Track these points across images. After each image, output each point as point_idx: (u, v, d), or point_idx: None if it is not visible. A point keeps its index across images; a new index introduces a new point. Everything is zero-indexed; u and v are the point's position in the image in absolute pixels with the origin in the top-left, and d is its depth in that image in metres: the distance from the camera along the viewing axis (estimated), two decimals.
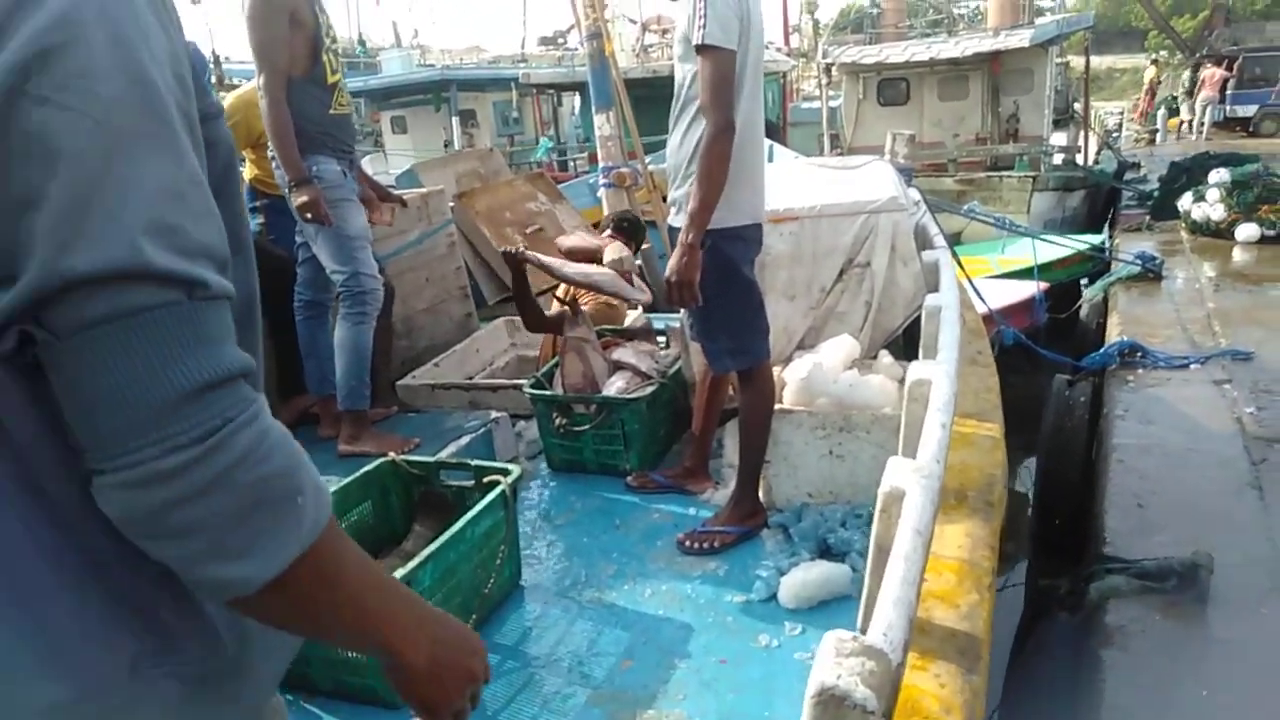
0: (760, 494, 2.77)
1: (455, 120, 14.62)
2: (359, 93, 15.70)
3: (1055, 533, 4.21)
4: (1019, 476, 5.91)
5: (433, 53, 21.74)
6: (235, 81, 7.19)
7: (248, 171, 3.61)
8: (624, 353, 3.27)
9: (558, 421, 3.06)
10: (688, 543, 2.59)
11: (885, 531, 1.59)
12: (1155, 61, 23.71)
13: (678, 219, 2.44)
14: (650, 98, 9.86)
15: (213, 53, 14.00)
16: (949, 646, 1.67)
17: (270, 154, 2.94)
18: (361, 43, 23.18)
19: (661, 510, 2.85)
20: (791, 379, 2.78)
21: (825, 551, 2.50)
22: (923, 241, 3.26)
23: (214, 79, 5.17)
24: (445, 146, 13.56)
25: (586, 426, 3.02)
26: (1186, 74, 19.77)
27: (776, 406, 2.70)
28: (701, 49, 2.16)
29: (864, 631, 1.17)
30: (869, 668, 1.12)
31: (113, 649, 0.66)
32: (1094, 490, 3.89)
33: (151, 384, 0.59)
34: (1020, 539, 4.73)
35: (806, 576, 2.34)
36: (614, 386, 3.13)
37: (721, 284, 2.43)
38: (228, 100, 3.62)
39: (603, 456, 3.06)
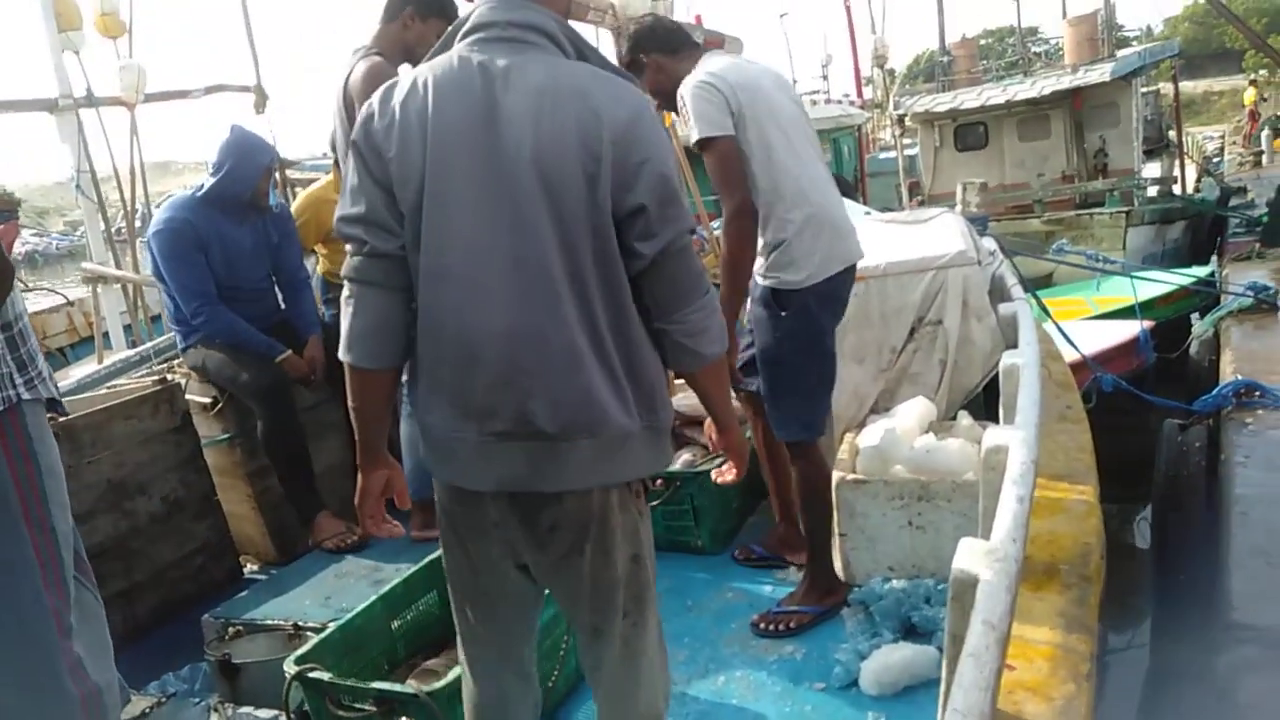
0: (839, 568, 2.64)
1: None
2: None
3: (1178, 590, 3.88)
4: (1136, 529, 5.53)
5: None
6: (309, 175, 7.55)
7: (320, 266, 3.75)
8: (690, 430, 3.17)
9: None
10: (763, 625, 2.48)
11: (959, 621, 1.46)
12: (1254, 82, 22.69)
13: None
14: None
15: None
16: None
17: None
18: None
19: (736, 589, 2.74)
20: (864, 445, 2.65)
21: (910, 631, 2.35)
22: (1000, 294, 3.12)
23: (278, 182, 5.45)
24: None
25: (655, 502, 2.93)
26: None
27: (850, 476, 2.57)
28: (699, 146, 2.23)
29: None
30: None
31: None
32: (1217, 545, 3.58)
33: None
34: (1141, 595, 4.39)
35: (889, 660, 2.19)
36: (680, 460, 3.02)
37: (804, 348, 2.38)
38: (297, 200, 3.78)
39: (673, 533, 2.93)
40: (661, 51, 2.43)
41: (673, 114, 2.42)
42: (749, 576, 2.79)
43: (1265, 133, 18.67)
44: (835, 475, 2.63)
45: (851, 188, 10.67)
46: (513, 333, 1.39)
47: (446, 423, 1.45)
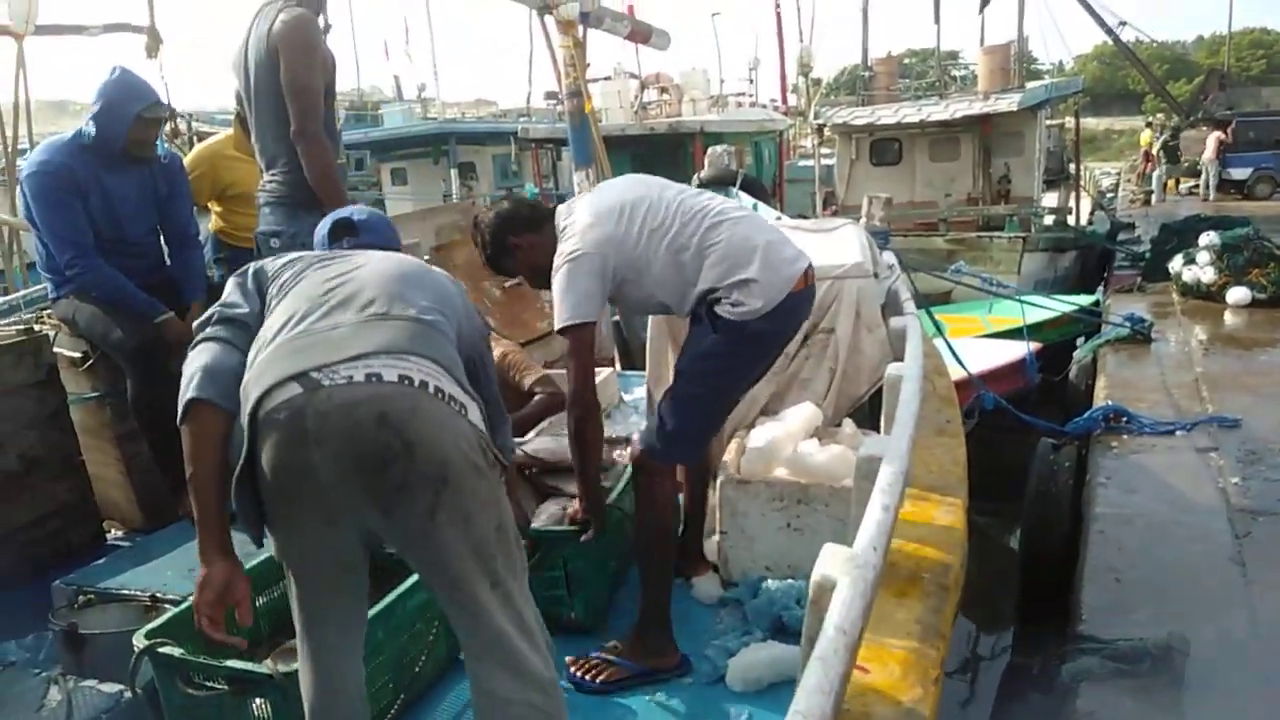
0: (719, 565, 2.68)
1: (454, 173, 14.75)
2: (360, 145, 15.89)
3: (1039, 604, 4.09)
4: (1009, 541, 5.79)
5: (436, 106, 21.98)
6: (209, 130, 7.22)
7: (212, 223, 3.59)
8: (551, 479, 2.77)
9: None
10: (574, 669, 2.23)
11: (815, 624, 1.51)
12: (1150, 124, 24.02)
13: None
14: (648, 155, 9.97)
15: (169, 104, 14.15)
16: None
17: (269, 203, 2.93)
18: (360, 95, 23.52)
19: None
20: (750, 446, 2.70)
21: (780, 630, 2.40)
22: (893, 307, 3.21)
23: (168, 130, 5.18)
24: (444, 199, 13.66)
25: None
26: (1164, 136, 20.13)
27: (734, 476, 2.62)
28: (560, 333, 2.23)
29: None
30: None
31: None
32: (1075, 560, 3.78)
33: None
34: (1009, 604, 4.60)
35: (755, 658, 2.24)
36: (544, 515, 2.58)
37: (711, 375, 2.24)
38: (191, 154, 3.61)
39: (539, 602, 2.15)
40: (528, 231, 2.35)
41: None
42: None
43: (1157, 173, 19.81)
44: (720, 475, 2.68)
45: (767, 192, 10.83)
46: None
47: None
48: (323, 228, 2.07)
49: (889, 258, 3.81)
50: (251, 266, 1.79)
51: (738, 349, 2.23)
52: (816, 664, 1.24)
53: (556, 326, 2.23)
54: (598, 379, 4.25)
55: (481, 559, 1.52)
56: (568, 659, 2.26)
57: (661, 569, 2.30)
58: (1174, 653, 2.63)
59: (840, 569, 1.50)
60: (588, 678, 2.23)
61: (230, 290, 1.75)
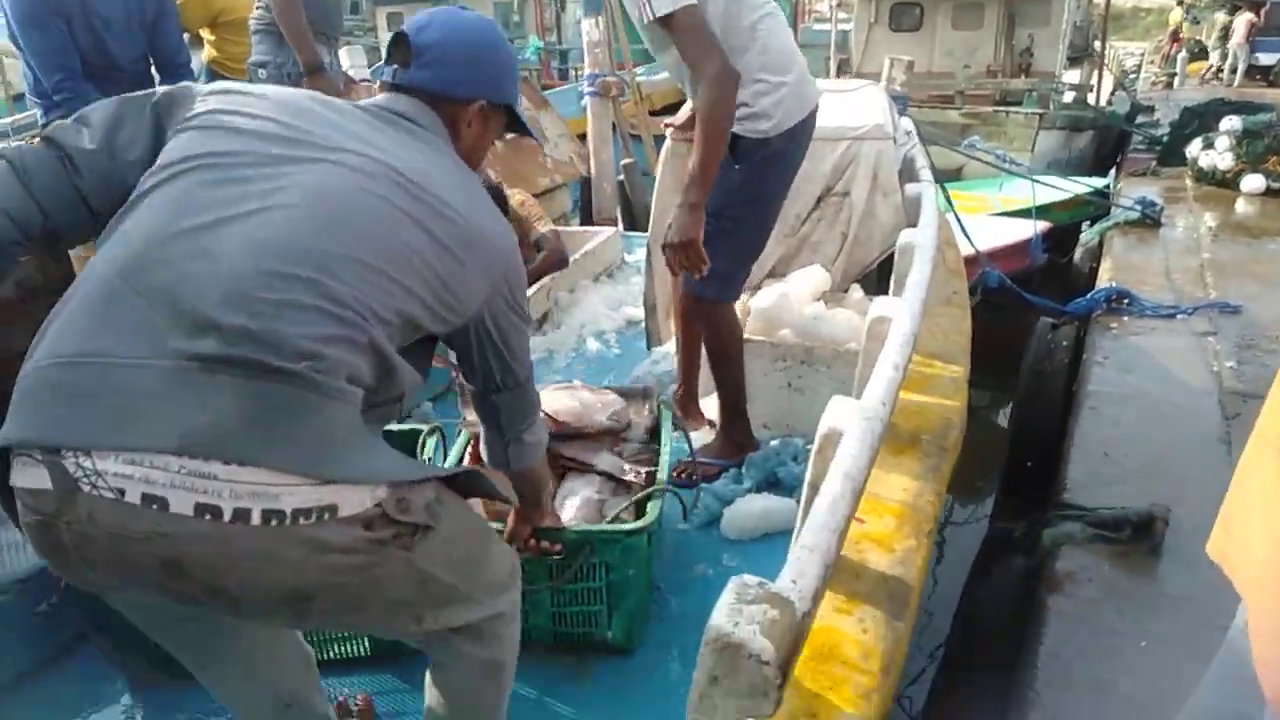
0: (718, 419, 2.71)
1: None
2: None
3: (1023, 476, 4.19)
4: (999, 416, 5.89)
5: None
6: None
7: (205, 54, 3.44)
8: (583, 449, 2.17)
9: None
10: (676, 473, 2.40)
11: (819, 472, 1.53)
12: (1181, 2, 22.93)
13: None
14: None
15: None
16: (879, 591, 1.63)
17: (268, 32, 2.81)
18: None
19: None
20: (756, 307, 2.69)
21: (774, 485, 2.46)
22: (908, 174, 3.13)
23: None
24: None
25: (541, 585, 1.79)
26: (1220, 17, 19.09)
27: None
28: (662, 23, 1.99)
29: None
30: (771, 616, 1.07)
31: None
32: (1064, 435, 3.85)
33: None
34: (991, 475, 4.72)
35: (750, 508, 2.30)
36: (572, 505, 2.00)
37: (744, 206, 2.26)
38: None
39: (568, 624, 1.87)
40: None
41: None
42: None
43: (1182, 55, 19.05)
44: None
45: None
46: None
47: None
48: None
49: (906, 124, 3.69)
50: (176, 90, 1.26)
51: (763, 173, 2.23)
52: (824, 504, 1.27)
53: (658, 13, 1.97)
54: (601, 238, 4.21)
55: (396, 615, 1.23)
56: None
57: (737, 378, 2.50)
58: (1156, 522, 2.71)
59: (848, 420, 1.51)
60: (690, 478, 2.37)
61: (102, 109, 1.25)
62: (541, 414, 1.53)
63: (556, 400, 2.17)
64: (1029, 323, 5.28)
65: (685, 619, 1.99)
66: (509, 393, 1.40)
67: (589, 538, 1.79)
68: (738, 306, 2.82)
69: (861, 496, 1.46)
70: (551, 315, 3.72)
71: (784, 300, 2.65)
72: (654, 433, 2.28)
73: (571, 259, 3.84)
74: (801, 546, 1.18)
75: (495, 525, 1.74)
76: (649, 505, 1.91)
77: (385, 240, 1.14)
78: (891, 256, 2.99)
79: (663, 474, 2.05)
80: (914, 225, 2.65)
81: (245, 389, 0.98)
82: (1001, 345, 4.88)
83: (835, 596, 1.60)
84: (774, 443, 2.57)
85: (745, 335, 2.63)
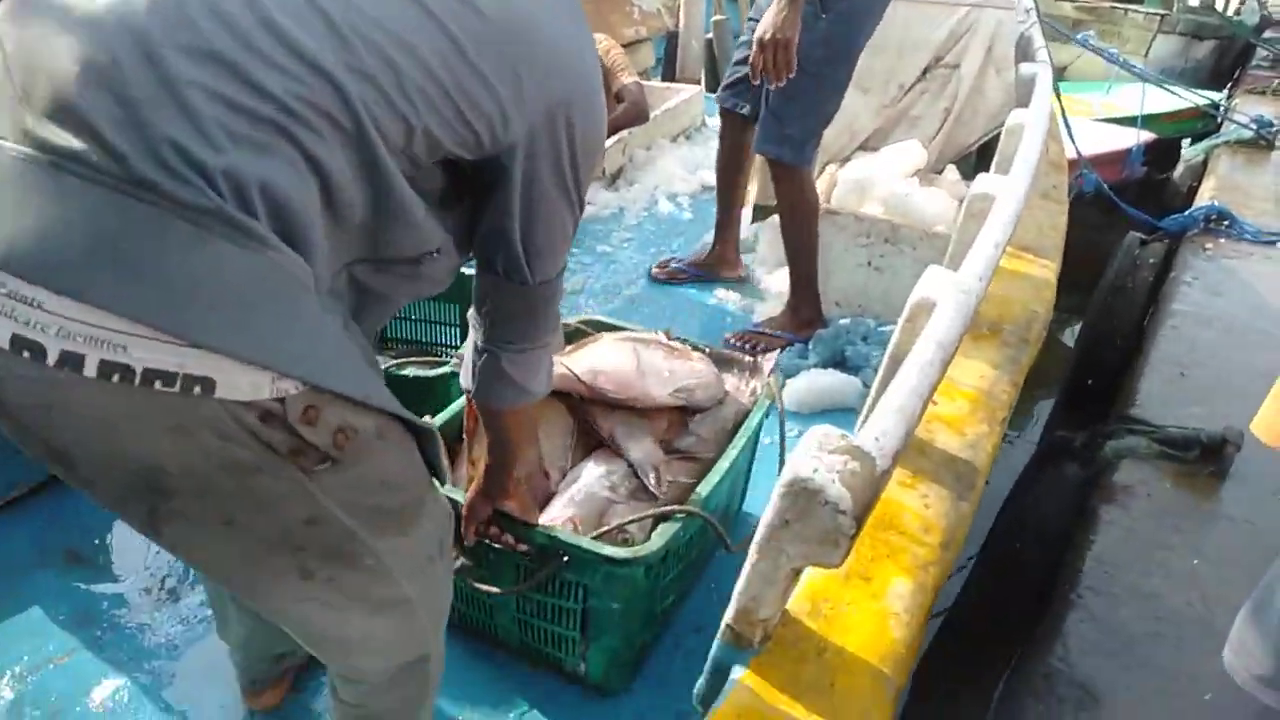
0: (787, 294, 2.65)
1: None
2: None
3: (1086, 391, 4.08)
4: (1070, 329, 5.72)
5: None
6: None
7: None
8: (625, 424, 1.65)
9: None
10: (734, 339, 2.49)
11: (905, 341, 1.47)
12: None
13: None
14: None
15: None
16: (945, 471, 1.60)
17: None
18: None
19: None
20: (845, 179, 2.58)
21: (839, 363, 2.41)
22: (1023, 53, 2.92)
23: None
24: None
25: (503, 589, 1.44)
26: None
27: (822, 205, 2.52)
28: None
29: None
30: (851, 468, 1.04)
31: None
32: (1139, 353, 3.72)
33: None
34: (1053, 386, 4.62)
35: (813, 383, 2.27)
36: (571, 495, 1.53)
37: (828, 63, 2.20)
38: None
39: (534, 638, 1.51)
40: None
41: None
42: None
43: None
44: None
45: None
46: None
47: None
48: None
49: (1026, 0, 3.43)
50: None
51: (848, 24, 2.16)
52: (913, 369, 1.22)
53: None
54: (683, 97, 4.04)
55: (276, 554, 0.91)
56: (726, 335, 2.50)
57: (811, 249, 2.43)
58: (1227, 445, 2.62)
59: (944, 290, 1.44)
60: (744, 345, 2.42)
61: None
62: (551, 353, 1.20)
63: (610, 355, 1.68)
64: (1113, 236, 5.03)
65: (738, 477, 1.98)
66: (513, 284, 1.05)
67: (560, 547, 1.34)
68: (824, 178, 2.71)
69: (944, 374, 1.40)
70: (625, 172, 3.62)
71: (875, 173, 2.53)
72: (741, 421, 1.70)
73: (651, 116, 3.70)
74: (887, 405, 1.14)
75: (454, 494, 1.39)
76: (661, 528, 1.40)
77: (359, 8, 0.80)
78: (991, 143, 2.83)
79: (705, 488, 1.47)
80: (1025, 107, 2.49)
81: (100, 201, 0.70)
82: (1083, 256, 4.67)
83: (900, 471, 1.58)
84: (844, 321, 2.51)
85: (830, 207, 2.53)
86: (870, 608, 1.27)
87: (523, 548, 1.38)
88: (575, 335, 1.84)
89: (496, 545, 1.39)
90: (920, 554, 1.40)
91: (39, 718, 1.38)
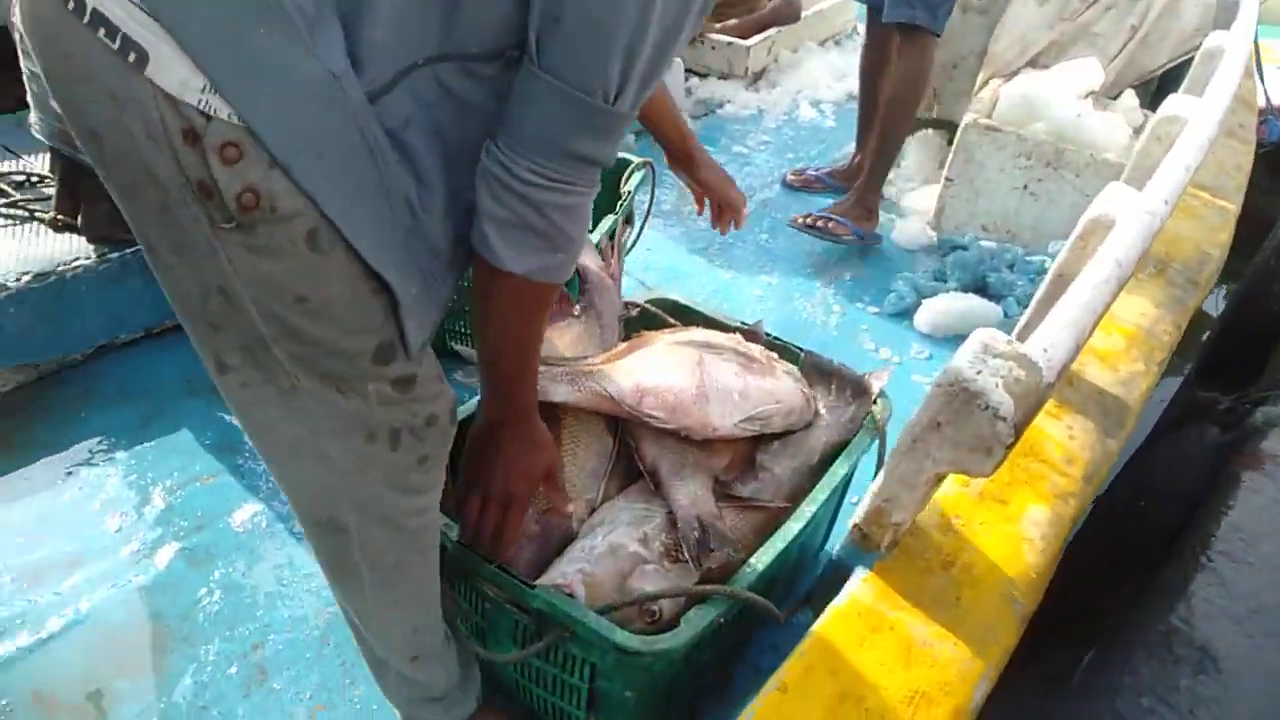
0: (932, 213, 2.52)
1: None
2: None
3: (1230, 359, 3.81)
4: (1213, 301, 5.33)
5: None
6: None
7: None
8: (675, 454, 1.29)
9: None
10: (801, 220, 2.42)
11: (1075, 260, 1.37)
12: None
13: None
14: None
15: None
16: (1093, 405, 1.51)
17: None
18: None
19: None
20: (1009, 94, 2.40)
21: (980, 289, 2.29)
22: None
23: None
24: None
25: (497, 651, 1.17)
26: None
27: (982, 120, 2.36)
28: None
29: None
30: (1016, 375, 0.98)
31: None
32: None
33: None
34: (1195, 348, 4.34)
35: (951, 305, 2.17)
36: (591, 547, 1.17)
37: None
38: None
39: (535, 704, 1.24)
40: None
41: None
42: None
43: None
44: (966, 116, 2.42)
45: None
46: None
47: None
48: None
49: None
50: None
51: None
52: (1087, 284, 1.13)
53: None
54: (834, 0, 3.83)
55: (194, 320, 0.81)
56: (794, 216, 2.44)
57: (903, 134, 2.37)
58: None
59: (1127, 209, 1.33)
60: (813, 224, 2.38)
61: None
62: (560, 238, 0.86)
63: (664, 368, 1.30)
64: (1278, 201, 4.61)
65: None
66: (528, 67, 0.79)
67: (560, 617, 1.05)
68: (987, 91, 2.53)
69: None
70: (769, 73, 3.48)
71: (1044, 91, 2.34)
72: (835, 454, 1.33)
73: (801, 16, 3.53)
74: (1058, 318, 1.06)
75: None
76: (697, 610, 1.08)
77: None
78: (1177, 70, 2.58)
79: (763, 560, 1.15)
80: (1225, 30, 2.25)
81: None
82: (1247, 218, 4.30)
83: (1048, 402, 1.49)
84: (988, 244, 2.37)
85: (988, 123, 2.37)
86: (1004, 530, 1.22)
87: (523, 610, 1.08)
88: (636, 323, 1.54)
89: (489, 593, 1.11)
90: (1061, 484, 1.33)
91: (186, 527, 1.48)
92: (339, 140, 0.74)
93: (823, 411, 1.39)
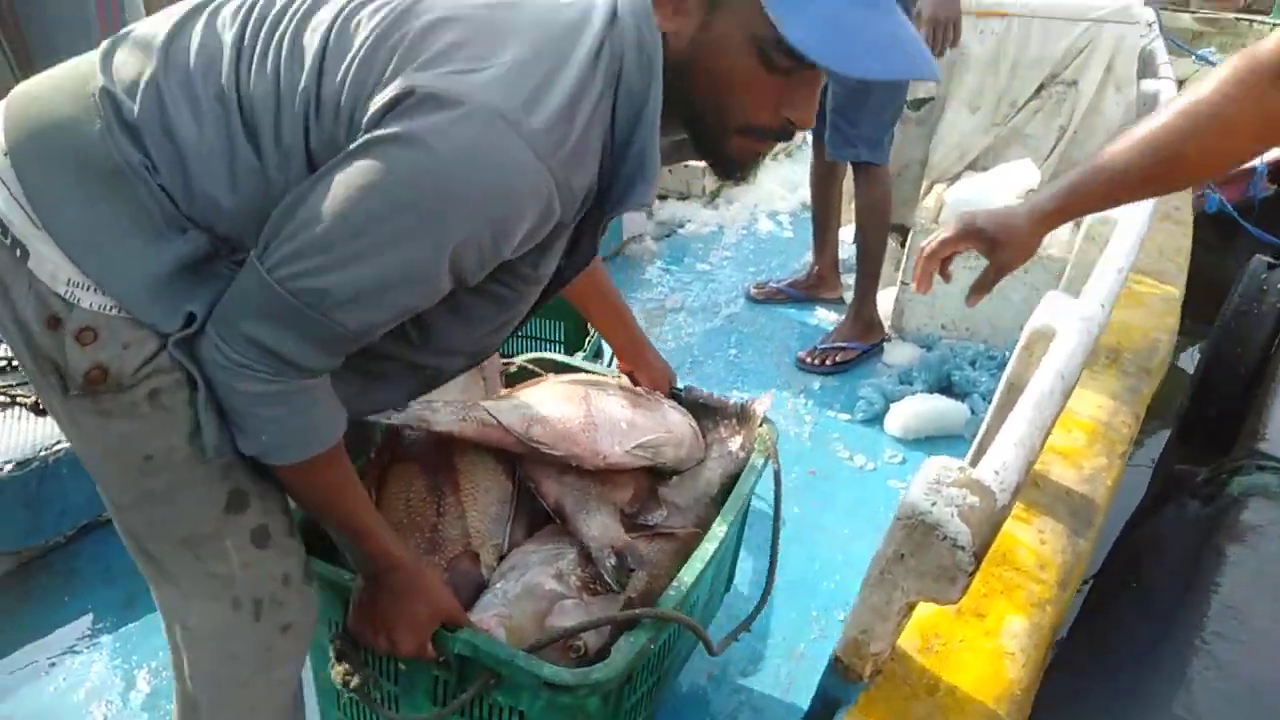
0: (890, 316, 2.60)
1: None
2: None
3: (1205, 423, 3.86)
4: (1188, 354, 5.45)
5: None
6: None
7: None
8: (578, 491, 1.27)
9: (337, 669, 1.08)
10: (808, 359, 2.49)
11: (1022, 370, 1.44)
12: None
13: None
14: None
15: None
16: (1061, 506, 1.54)
17: None
18: None
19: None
20: (952, 198, 2.52)
21: (945, 389, 2.35)
22: (1146, 68, 2.81)
23: None
24: None
25: (414, 715, 1.11)
26: None
27: (929, 224, 2.47)
28: None
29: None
30: (970, 502, 1.02)
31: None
32: (1266, 383, 3.50)
33: None
34: (1168, 420, 4.40)
35: (919, 407, 2.22)
36: (508, 589, 1.13)
37: None
38: None
39: None
40: None
41: None
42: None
43: None
44: (916, 222, 2.53)
45: None
46: None
47: None
48: None
49: (1149, 14, 3.29)
50: None
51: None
52: (1031, 400, 1.18)
53: None
54: None
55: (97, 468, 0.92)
56: (800, 354, 2.52)
57: (879, 255, 2.45)
58: None
59: (1064, 319, 1.40)
60: (824, 363, 2.47)
61: None
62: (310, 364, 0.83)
63: (552, 401, 1.31)
64: (1232, 260, 4.77)
65: (836, 500, 1.96)
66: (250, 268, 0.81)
67: (484, 659, 1.00)
68: (932, 197, 2.66)
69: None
70: (725, 190, 3.63)
71: (984, 192, 2.47)
72: (731, 484, 1.35)
73: None
74: (1007, 438, 1.11)
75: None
76: (626, 638, 1.05)
77: None
78: None
79: (687, 577, 1.14)
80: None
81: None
82: (1201, 279, 4.43)
83: (1016, 505, 1.53)
84: (948, 344, 2.45)
85: (935, 227, 2.47)
86: (984, 646, 1.24)
87: (438, 657, 1.01)
88: (519, 377, 1.54)
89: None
90: (1036, 592, 1.35)
91: (170, 711, 1.46)
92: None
93: (712, 445, 1.43)
